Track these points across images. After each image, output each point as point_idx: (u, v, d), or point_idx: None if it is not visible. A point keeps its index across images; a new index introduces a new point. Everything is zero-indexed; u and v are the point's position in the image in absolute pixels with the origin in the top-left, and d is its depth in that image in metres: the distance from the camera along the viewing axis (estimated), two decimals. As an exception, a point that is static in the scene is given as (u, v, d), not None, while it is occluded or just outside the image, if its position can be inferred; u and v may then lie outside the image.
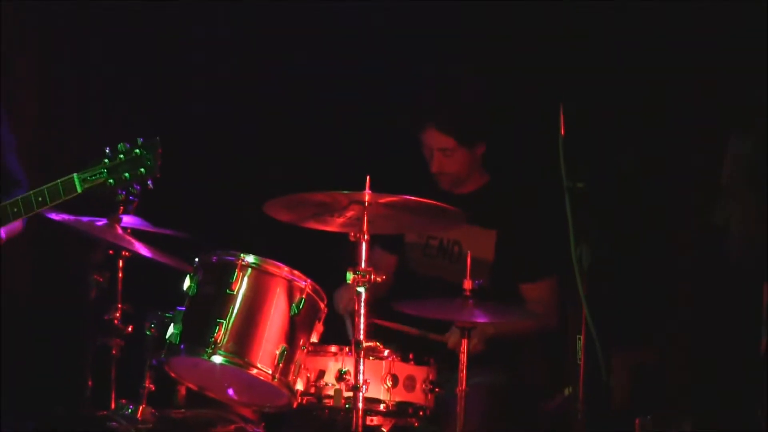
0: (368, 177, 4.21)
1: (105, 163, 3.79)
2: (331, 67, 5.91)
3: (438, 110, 5.01)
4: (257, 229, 5.00)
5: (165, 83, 6.09)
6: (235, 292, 4.40)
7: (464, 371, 4.32)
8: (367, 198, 4.21)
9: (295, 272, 4.46)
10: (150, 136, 3.88)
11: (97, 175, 3.78)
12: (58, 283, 5.83)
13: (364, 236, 4.24)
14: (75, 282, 5.11)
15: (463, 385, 4.31)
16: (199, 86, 6.10)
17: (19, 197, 3.86)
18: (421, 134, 4.97)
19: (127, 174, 3.78)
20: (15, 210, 3.84)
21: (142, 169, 3.77)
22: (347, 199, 4.25)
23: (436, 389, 4.49)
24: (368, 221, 4.26)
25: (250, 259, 4.42)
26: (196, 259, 4.52)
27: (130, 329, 4.89)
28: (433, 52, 5.70)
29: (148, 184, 3.76)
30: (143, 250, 4.72)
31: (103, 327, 4.94)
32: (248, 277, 4.42)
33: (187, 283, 4.50)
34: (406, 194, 4.29)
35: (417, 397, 4.49)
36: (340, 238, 4.44)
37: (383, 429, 4.52)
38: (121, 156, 3.78)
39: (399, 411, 4.49)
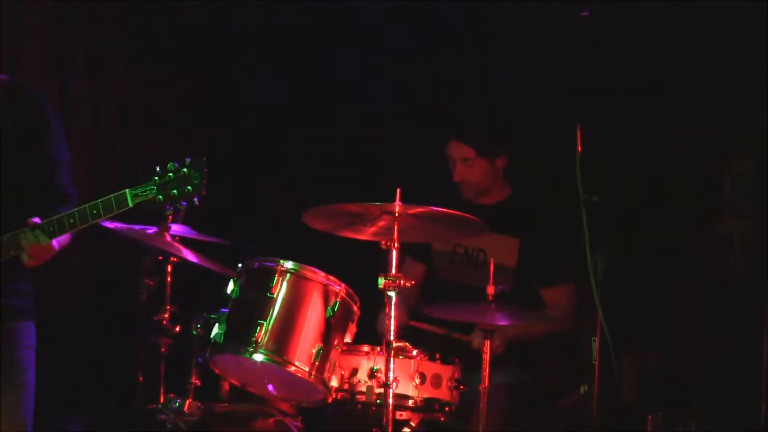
0: (398, 189, 4.26)
1: (155, 180, 3.78)
2: (363, 85, 5.94)
3: (459, 123, 5.10)
4: (295, 237, 4.95)
5: (210, 97, 6.09)
6: (274, 296, 4.50)
7: (487, 370, 4.38)
8: (397, 209, 4.26)
9: (331, 277, 4.55)
10: (197, 151, 3.89)
11: (148, 192, 3.77)
12: (112, 287, 5.87)
13: (394, 244, 4.29)
14: (127, 285, 5.11)
15: (486, 383, 4.37)
16: (243, 101, 6.10)
17: (75, 210, 3.87)
18: (446, 148, 5.05)
19: (175, 191, 3.77)
20: (71, 221, 3.86)
21: (189, 187, 3.77)
22: (379, 210, 4.30)
23: (461, 387, 4.57)
24: (398, 230, 4.30)
25: (288, 265, 4.52)
26: (239, 265, 4.63)
27: (177, 329, 4.99)
28: (457, 69, 5.75)
29: (194, 201, 3.78)
30: (190, 256, 4.82)
31: (153, 327, 5.04)
32: (287, 282, 4.52)
33: (230, 286, 4.62)
34: (434, 205, 4.34)
35: (443, 393, 4.57)
36: (372, 246, 4.49)
37: (412, 423, 4.60)
38: (170, 174, 3.78)
39: (426, 406, 4.57)
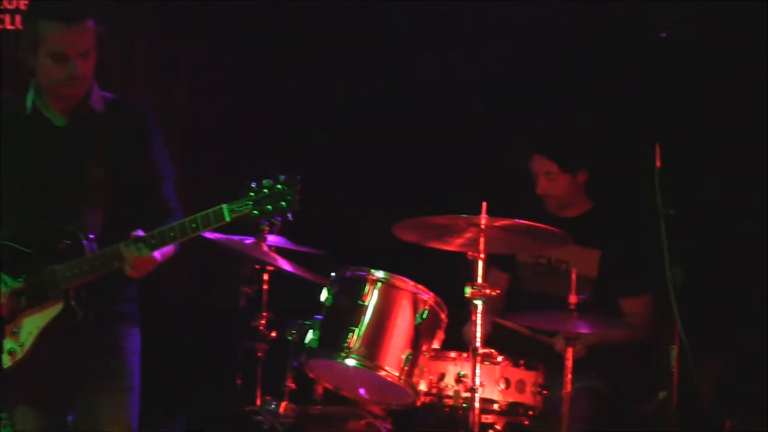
0: (484, 203, 4.32)
1: (251, 196, 3.79)
2: (452, 101, 5.96)
3: (543, 138, 5.17)
4: (386, 248, 4.97)
5: (301, 112, 6.14)
6: (366, 303, 4.56)
7: (569, 376, 4.40)
8: (483, 222, 4.33)
9: (420, 286, 4.59)
10: (291, 164, 3.94)
11: (244, 207, 3.80)
12: (212, 295, 6.01)
13: (480, 255, 4.35)
14: (227, 293, 5.33)
15: (568, 388, 4.40)
16: (334, 115, 6.16)
17: (175, 223, 3.91)
18: (529, 162, 5.12)
19: (270, 206, 3.78)
20: (172, 234, 3.89)
21: (283, 203, 3.77)
22: (466, 222, 4.38)
23: (544, 391, 4.60)
24: (484, 242, 4.36)
25: (379, 274, 4.57)
26: (333, 274, 4.71)
27: (273, 335, 5.16)
28: (541, 86, 5.79)
29: (288, 216, 3.79)
30: (286, 265, 4.96)
31: (251, 333, 5.22)
32: (378, 290, 4.57)
33: (324, 294, 4.70)
34: (518, 218, 4.40)
35: (527, 398, 4.60)
36: (458, 256, 4.55)
37: (497, 426, 4.63)
38: (265, 190, 3.79)
39: (511, 410, 4.60)
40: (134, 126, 4.05)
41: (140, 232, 3.78)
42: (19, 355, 3.88)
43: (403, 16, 6.03)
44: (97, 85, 3.99)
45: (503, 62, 5.84)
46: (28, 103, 3.95)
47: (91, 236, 3.87)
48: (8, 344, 3.89)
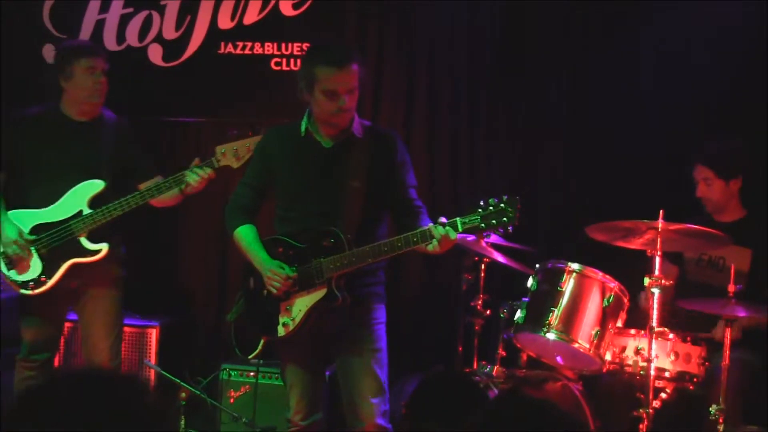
0: (662, 210, 4.57)
1: (479, 212, 3.92)
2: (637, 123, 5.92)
3: (705, 150, 5.20)
4: (581, 245, 5.15)
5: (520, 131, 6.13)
6: (563, 289, 4.84)
7: (727, 351, 4.51)
8: (660, 226, 4.56)
9: (607, 276, 4.85)
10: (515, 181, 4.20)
11: (473, 220, 3.94)
12: (440, 281, 6.13)
13: (657, 252, 4.60)
14: (452, 279, 5.63)
15: (726, 360, 4.51)
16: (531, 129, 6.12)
17: (376, 244, 4.07)
18: (693, 171, 5.18)
19: (494, 221, 3.90)
20: (385, 249, 4.09)
21: (505, 219, 3.89)
22: (646, 226, 4.61)
23: (706, 363, 4.79)
24: (661, 242, 4.60)
25: (575, 266, 4.86)
26: (537, 266, 4.99)
27: (488, 312, 5.40)
28: (710, 110, 5.77)
29: (508, 230, 3.90)
30: (499, 257, 5.18)
31: (470, 310, 5.46)
32: (573, 279, 4.86)
33: (530, 281, 5.00)
34: (688, 223, 4.62)
35: (692, 368, 4.80)
36: (639, 253, 4.78)
37: (667, 390, 4.82)
38: (491, 207, 3.91)
39: (679, 377, 4.81)
40: (386, 148, 4.28)
41: (444, 219, 3.96)
42: (291, 327, 4.20)
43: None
44: (357, 115, 4.25)
45: (675, 82, 5.80)
46: (302, 128, 4.23)
47: (349, 236, 4.12)
48: (283, 318, 4.23)
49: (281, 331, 4.23)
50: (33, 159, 4.92)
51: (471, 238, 5.02)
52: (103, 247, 4.88)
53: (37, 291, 4.82)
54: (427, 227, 3.99)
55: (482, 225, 3.94)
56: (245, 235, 4.32)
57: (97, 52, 4.99)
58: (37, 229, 4.86)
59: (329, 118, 4.17)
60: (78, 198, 4.87)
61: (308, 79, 4.14)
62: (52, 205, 4.86)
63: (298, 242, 4.23)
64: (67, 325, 5.24)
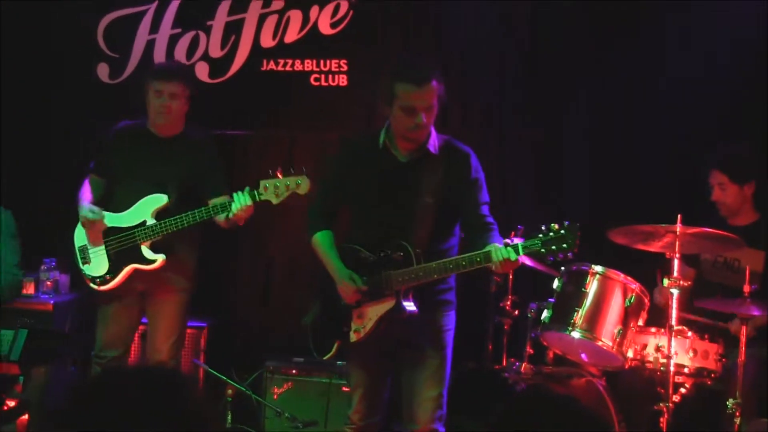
0: (679, 215, 4.58)
1: (540, 237, 3.91)
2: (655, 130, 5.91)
3: (720, 156, 5.21)
4: (603, 248, 5.05)
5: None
6: (587, 290, 4.88)
7: (743, 347, 4.57)
8: (678, 230, 4.59)
9: (629, 278, 4.90)
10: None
11: (534, 244, 3.92)
12: (471, 283, 5.47)
13: (675, 255, 4.65)
14: (482, 282, 5.52)
15: (742, 357, 4.56)
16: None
17: (442, 261, 4.06)
18: (708, 177, 5.20)
19: (554, 247, 3.88)
20: (451, 267, 4.08)
21: (565, 245, 3.88)
22: (665, 230, 4.64)
23: (723, 359, 4.83)
24: (679, 245, 4.64)
25: (598, 268, 4.90)
26: (562, 268, 5.00)
27: (516, 313, 5.43)
28: (726, 117, 5.74)
29: (567, 256, 3.89)
30: (527, 261, 4.91)
31: (499, 311, 5.48)
32: (596, 281, 4.88)
33: (555, 283, 5.05)
34: (704, 227, 4.65)
35: (710, 364, 4.84)
36: (659, 256, 4.80)
37: (686, 385, 4.87)
38: (551, 234, 3.90)
39: (697, 373, 4.86)
40: (459, 166, 4.25)
41: (510, 240, 3.98)
42: (362, 334, 4.24)
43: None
44: (434, 130, 4.23)
45: (695, 95, 5.80)
46: (380, 140, 4.23)
47: (418, 250, 4.13)
48: (354, 325, 4.27)
49: (353, 337, 4.29)
50: (118, 168, 5.14)
51: (530, 262, 4.98)
52: (159, 258, 5.02)
53: (102, 288, 5.04)
54: (490, 249, 3.98)
55: (542, 250, 3.93)
56: (322, 241, 4.38)
57: (167, 77, 5.11)
58: (109, 232, 5.07)
59: (406, 133, 4.18)
60: (145, 209, 5.03)
61: (388, 95, 4.15)
62: (125, 212, 5.07)
63: (370, 252, 4.26)
64: (141, 328, 5.39)
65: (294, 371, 5.59)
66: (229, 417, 5.45)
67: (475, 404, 4.80)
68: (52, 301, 5.47)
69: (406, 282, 4.14)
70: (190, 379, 2.07)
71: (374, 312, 4.24)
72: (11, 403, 4.31)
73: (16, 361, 3.96)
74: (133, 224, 5.03)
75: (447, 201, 4.25)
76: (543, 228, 3.94)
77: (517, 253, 3.94)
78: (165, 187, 5.06)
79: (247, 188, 4.77)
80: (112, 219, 5.08)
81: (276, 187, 4.70)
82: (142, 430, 1.85)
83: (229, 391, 5.45)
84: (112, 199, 5.12)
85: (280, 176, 4.70)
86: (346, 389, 5.10)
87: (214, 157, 5.23)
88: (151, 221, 4.99)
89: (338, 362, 5.10)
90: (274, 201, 4.74)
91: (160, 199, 5.04)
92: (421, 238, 4.18)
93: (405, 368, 4.35)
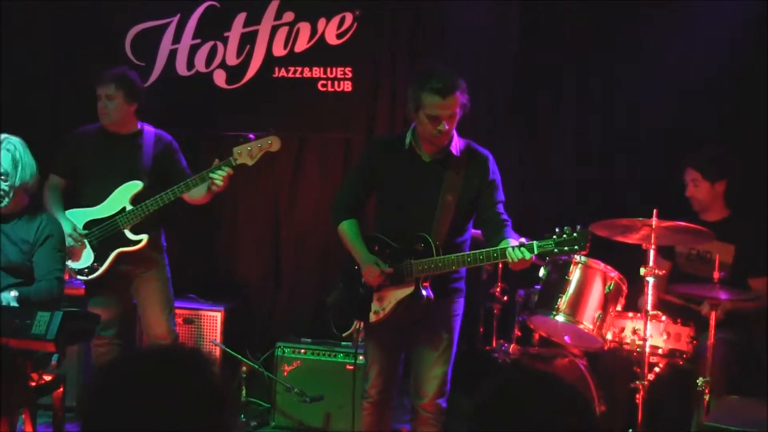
0: (655, 209, 4.58)
1: (554, 238, 3.93)
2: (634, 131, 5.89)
3: (695, 155, 5.20)
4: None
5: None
6: (570, 278, 4.89)
7: (713, 330, 4.56)
8: (654, 223, 4.62)
9: (608, 267, 4.93)
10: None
11: (548, 245, 3.94)
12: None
13: (651, 246, 4.66)
14: (473, 270, 4.83)
15: (711, 339, 4.56)
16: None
17: (461, 254, 4.08)
18: (683, 174, 5.22)
19: (566, 248, 3.91)
20: (469, 260, 4.08)
21: (576, 247, 3.91)
22: (641, 223, 4.68)
23: (694, 341, 4.84)
24: (655, 237, 4.66)
25: (580, 258, 4.88)
26: (547, 258, 4.94)
27: (505, 298, 5.51)
28: (705, 118, 5.66)
29: (578, 256, 4.05)
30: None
31: (490, 296, 5.54)
32: (579, 269, 4.90)
33: (542, 271, 5.05)
34: (678, 220, 4.67)
35: (682, 346, 4.85)
36: (635, 247, 4.78)
37: (660, 364, 4.86)
38: (564, 236, 3.92)
39: (670, 354, 4.86)
40: (479, 168, 4.29)
41: (523, 240, 3.99)
42: (381, 315, 4.28)
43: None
44: (456, 134, 4.25)
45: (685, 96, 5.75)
46: (407, 141, 4.28)
47: (438, 243, 4.16)
48: (374, 307, 4.29)
49: (372, 317, 4.33)
50: (84, 167, 5.18)
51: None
52: (144, 238, 5.14)
53: (91, 276, 5.11)
54: (507, 247, 4.03)
55: (555, 249, 3.97)
56: (348, 229, 4.41)
57: (100, 81, 5.15)
58: (89, 225, 5.15)
59: (430, 137, 4.23)
60: (121, 197, 5.10)
61: (415, 102, 4.20)
62: (101, 204, 5.15)
63: (394, 242, 4.31)
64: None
65: (303, 351, 5.61)
66: (244, 391, 5.55)
67: (467, 382, 4.75)
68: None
69: (426, 271, 4.18)
70: (209, 358, 1.99)
71: (394, 296, 4.27)
72: (48, 378, 4.39)
73: (52, 340, 3.95)
74: (113, 212, 5.11)
75: (466, 200, 4.31)
76: (557, 230, 3.98)
77: (532, 252, 3.99)
78: (137, 175, 5.12)
79: (216, 162, 4.89)
80: (87, 214, 5.14)
81: (249, 150, 4.85)
82: (167, 407, 1.85)
83: (244, 368, 5.56)
84: (82, 197, 5.16)
85: (252, 138, 4.86)
86: (350, 367, 5.32)
87: (173, 148, 5.28)
88: (129, 207, 5.10)
89: (342, 343, 5.28)
90: (250, 163, 4.90)
91: (135, 186, 5.13)
92: (440, 232, 4.23)
93: (416, 347, 4.40)
